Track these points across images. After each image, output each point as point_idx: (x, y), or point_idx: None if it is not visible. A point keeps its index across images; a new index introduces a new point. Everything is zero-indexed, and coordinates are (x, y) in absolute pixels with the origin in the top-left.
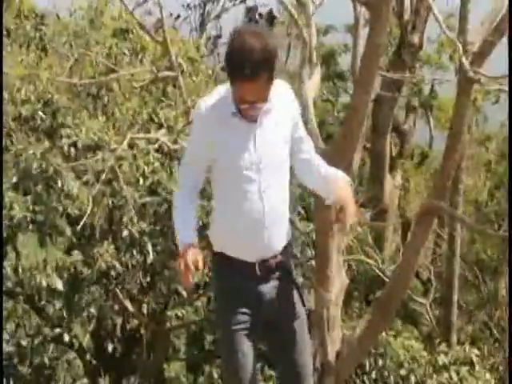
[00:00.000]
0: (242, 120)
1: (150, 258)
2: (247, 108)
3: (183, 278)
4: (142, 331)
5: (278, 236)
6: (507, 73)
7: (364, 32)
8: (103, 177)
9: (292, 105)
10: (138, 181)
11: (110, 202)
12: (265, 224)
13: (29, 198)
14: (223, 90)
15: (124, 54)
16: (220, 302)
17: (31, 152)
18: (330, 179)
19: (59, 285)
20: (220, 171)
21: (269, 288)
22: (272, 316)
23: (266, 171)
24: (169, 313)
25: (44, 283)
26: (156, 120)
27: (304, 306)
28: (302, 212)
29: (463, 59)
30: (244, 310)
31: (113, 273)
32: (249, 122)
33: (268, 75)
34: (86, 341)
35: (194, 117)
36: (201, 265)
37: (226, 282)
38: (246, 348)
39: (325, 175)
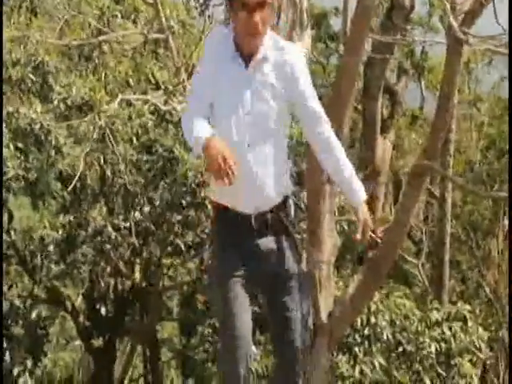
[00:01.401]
0: (239, 66)
1: (145, 210)
2: (248, 40)
3: (219, 175)
4: (136, 291)
5: (272, 188)
6: (507, 40)
7: None
8: (95, 135)
9: (298, 72)
10: (132, 140)
11: (102, 160)
12: (253, 175)
13: (20, 155)
14: (225, 29)
15: (116, 16)
16: (217, 254)
17: (22, 112)
18: (355, 193)
19: (56, 235)
20: (214, 115)
21: (265, 242)
22: (267, 269)
23: (255, 125)
24: (165, 261)
25: (37, 240)
26: (153, 81)
27: (298, 262)
28: (295, 176)
29: (452, 20)
30: (240, 262)
31: (105, 234)
32: (245, 69)
33: (271, 7)
34: (79, 302)
35: (207, 43)
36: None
37: (224, 235)
38: (241, 297)
39: (349, 181)
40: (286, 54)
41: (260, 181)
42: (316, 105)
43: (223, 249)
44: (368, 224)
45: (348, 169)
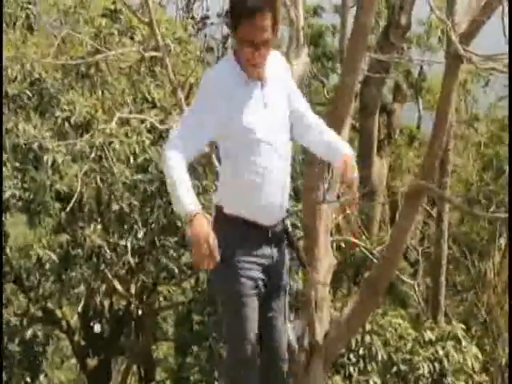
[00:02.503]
0: (251, 86)
1: (140, 234)
2: (251, 70)
3: (201, 260)
4: (131, 311)
5: (287, 200)
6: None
7: (352, 12)
8: (93, 154)
9: (287, 71)
10: (129, 159)
11: (99, 180)
12: (284, 184)
13: (18, 174)
14: (227, 62)
15: (112, 34)
16: (230, 267)
17: (21, 127)
18: (338, 151)
19: (53, 256)
20: (234, 137)
21: (276, 252)
22: (273, 279)
23: (278, 133)
24: (160, 288)
25: (34, 259)
26: (150, 100)
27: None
28: (291, 192)
29: (453, 36)
30: (255, 274)
31: (102, 253)
32: (256, 85)
33: (273, 17)
34: (74, 321)
35: (204, 83)
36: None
37: (239, 248)
38: (255, 317)
39: (334, 146)
40: (279, 61)
41: (285, 192)
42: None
43: (237, 263)
44: (351, 169)
45: (331, 136)
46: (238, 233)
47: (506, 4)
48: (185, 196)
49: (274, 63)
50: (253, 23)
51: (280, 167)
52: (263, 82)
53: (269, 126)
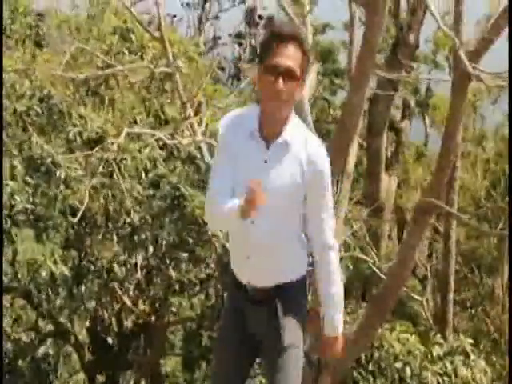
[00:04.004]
0: (258, 144)
1: (150, 250)
2: (270, 107)
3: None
4: (140, 326)
5: (268, 268)
6: (508, 74)
7: (360, 30)
8: (101, 169)
9: (314, 167)
10: (140, 175)
11: (110, 195)
12: (248, 253)
13: (29, 189)
14: (248, 108)
15: (123, 53)
16: (222, 317)
17: (34, 140)
18: (328, 315)
19: (66, 271)
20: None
21: (258, 312)
22: (259, 339)
23: (270, 202)
24: (170, 300)
25: (44, 274)
26: (162, 117)
27: (283, 341)
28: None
29: (461, 54)
30: (234, 326)
31: (112, 268)
32: (265, 149)
33: (302, 53)
34: (83, 335)
35: (219, 133)
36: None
37: (227, 300)
38: (233, 362)
39: (326, 299)
40: (310, 148)
41: (254, 261)
42: (325, 227)
43: (224, 315)
44: (330, 349)
45: (336, 301)
46: (230, 286)
47: None
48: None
49: (301, 141)
50: (282, 49)
51: (251, 237)
52: (274, 147)
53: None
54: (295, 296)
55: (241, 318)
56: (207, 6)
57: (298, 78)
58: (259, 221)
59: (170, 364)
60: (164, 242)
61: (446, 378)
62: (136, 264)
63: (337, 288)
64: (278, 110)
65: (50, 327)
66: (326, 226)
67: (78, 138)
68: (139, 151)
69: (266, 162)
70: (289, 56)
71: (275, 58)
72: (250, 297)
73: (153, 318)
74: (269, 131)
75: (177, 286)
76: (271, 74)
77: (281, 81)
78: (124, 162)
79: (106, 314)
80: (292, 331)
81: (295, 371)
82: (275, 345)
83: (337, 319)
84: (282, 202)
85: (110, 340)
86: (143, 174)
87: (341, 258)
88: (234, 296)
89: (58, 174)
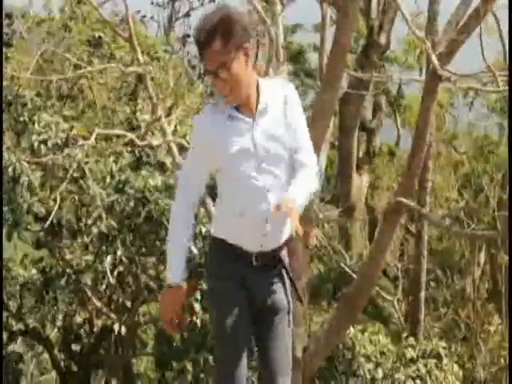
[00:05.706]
0: (238, 121)
1: (119, 253)
2: (215, 81)
3: (166, 325)
4: (112, 326)
5: (280, 232)
6: (508, 74)
7: (331, 31)
8: (69, 174)
9: (287, 106)
10: (105, 179)
11: (77, 200)
12: (267, 222)
13: None
14: (213, 102)
15: (93, 62)
16: (216, 286)
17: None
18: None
19: (36, 275)
20: (224, 173)
21: (262, 278)
22: (259, 304)
23: (268, 170)
24: (140, 309)
25: (20, 275)
26: (135, 122)
27: (289, 300)
28: None
29: (432, 56)
30: (237, 295)
31: (81, 271)
32: (244, 120)
33: (222, 42)
34: (54, 335)
35: (193, 131)
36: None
37: (224, 268)
38: (241, 333)
39: (293, 181)
40: (276, 89)
41: (272, 228)
42: (310, 146)
43: (222, 283)
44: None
45: (303, 185)
46: (224, 254)
47: (483, 25)
48: (173, 265)
49: (272, 92)
50: (205, 55)
51: (269, 206)
52: (257, 114)
53: (256, 159)
54: (286, 255)
55: (240, 293)
56: (177, 4)
57: (226, 64)
58: (272, 187)
59: (142, 363)
60: (132, 247)
61: (418, 382)
62: (105, 266)
63: (308, 182)
64: (237, 95)
65: (20, 326)
66: (310, 146)
67: (43, 146)
68: (103, 156)
69: (256, 131)
70: (210, 59)
71: (205, 63)
72: (260, 262)
73: (123, 318)
74: (246, 108)
75: (146, 291)
76: (208, 75)
77: (218, 82)
78: (88, 165)
79: (76, 316)
80: (289, 292)
81: (289, 337)
82: (277, 308)
83: (298, 194)
84: (282, 152)
85: (81, 339)
86: (108, 178)
87: (312, 258)
88: (230, 271)
89: (21, 181)
